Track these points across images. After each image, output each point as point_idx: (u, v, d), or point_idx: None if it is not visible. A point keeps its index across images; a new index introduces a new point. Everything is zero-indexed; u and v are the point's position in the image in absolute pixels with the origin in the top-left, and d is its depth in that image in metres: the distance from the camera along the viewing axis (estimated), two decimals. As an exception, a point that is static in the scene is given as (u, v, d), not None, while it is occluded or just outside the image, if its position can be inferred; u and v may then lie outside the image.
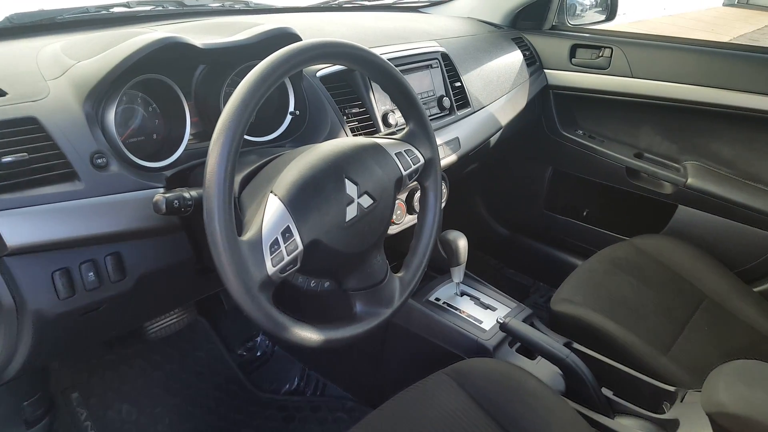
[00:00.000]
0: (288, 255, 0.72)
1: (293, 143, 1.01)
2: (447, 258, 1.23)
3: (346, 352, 1.40)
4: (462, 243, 1.21)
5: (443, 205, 1.33)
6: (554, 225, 1.97)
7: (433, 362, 1.13)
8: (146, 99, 0.92)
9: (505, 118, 1.53)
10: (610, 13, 1.93)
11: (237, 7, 1.39)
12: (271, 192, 0.74)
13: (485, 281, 1.36)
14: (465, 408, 0.96)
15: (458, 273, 1.24)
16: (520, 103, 1.63)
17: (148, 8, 1.18)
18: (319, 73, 1.08)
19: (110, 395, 1.24)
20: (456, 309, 1.24)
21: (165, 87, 0.92)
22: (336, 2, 1.68)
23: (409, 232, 1.09)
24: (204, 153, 0.86)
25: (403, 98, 0.89)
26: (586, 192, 1.89)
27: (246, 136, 1.00)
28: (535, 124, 1.85)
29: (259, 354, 1.50)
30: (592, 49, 1.73)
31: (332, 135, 1.04)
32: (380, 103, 1.15)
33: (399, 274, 0.92)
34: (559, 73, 1.79)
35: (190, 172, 0.90)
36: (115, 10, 1.14)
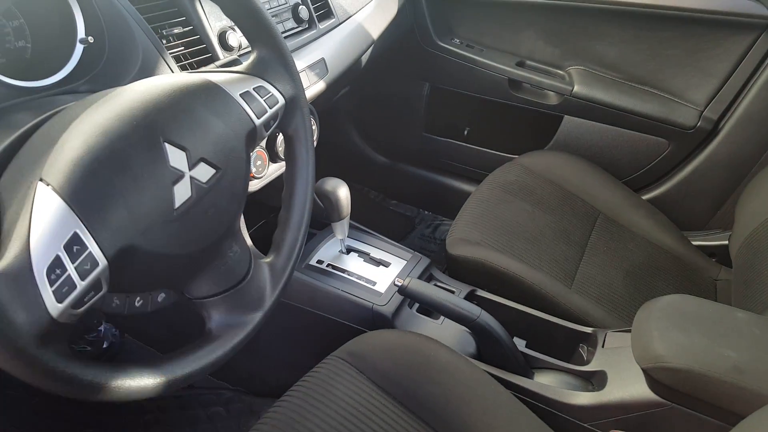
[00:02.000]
0: (83, 279, 0.45)
1: (89, 85, 0.69)
2: (327, 211, 1.00)
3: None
4: (343, 193, 0.99)
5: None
6: (435, 148, 1.80)
7: (323, 338, 0.94)
8: None
9: (376, 30, 1.27)
10: None
11: None
12: (41, 180, 0.45)
13: (368, 218, 1.17)
14: (369, 398, 0.80)
15: (341, 228, 1.02)
16: (391, 8, 1.37)
17: None
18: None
19: None
20: (343, 271, 1.03)
21: None
22: None
23: (277, 182, 0.85)
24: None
25: (242, 10, 0.61)
26: (467, 109, 1.73)
27: (13, 81, 0.66)
28: (409, 35, 1.61)
29: (106, 346, 1.20)
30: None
31: (147, 69, 0.73)
32: (214, 17, 0.84)
33: (267, 260, 0.68)
34: (429, -27, 1.55)
35: None
36: None
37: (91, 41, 0.72)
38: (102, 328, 1.23)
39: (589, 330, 0.98)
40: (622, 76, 1.50)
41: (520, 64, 1.58)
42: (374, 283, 1.01)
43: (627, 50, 1.46)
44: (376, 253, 1.08)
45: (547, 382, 0.90)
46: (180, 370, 0.54)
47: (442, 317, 0.99)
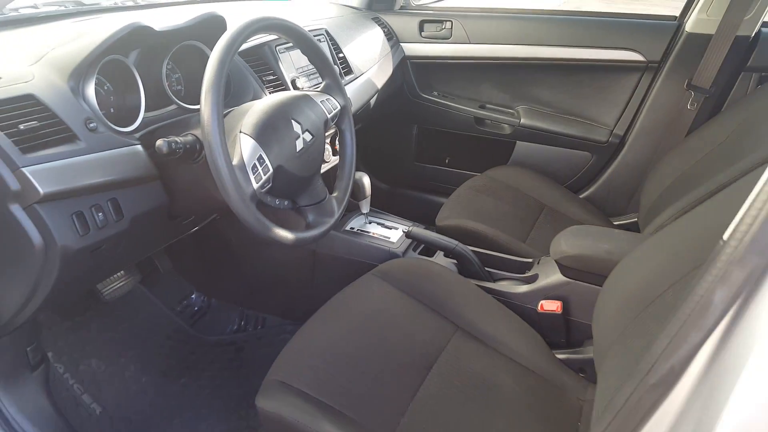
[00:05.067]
0: (264, 175, 0.97)
1: (224, 107, 1.24)
2: (354, 194, 1.53)
3: (280, 284, 1.65)
4: (366, 180, 1.52)
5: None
6: (425, 174, 2.35)
7: (357, 275, 1.43)
8: (101, 79, 1.09)
9: (379, 83, 1.86)
10: (442, -6, 2.35)
11: (128, 4, 1.56)
12: (241, 132, 0.98)
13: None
14: (392, 295, 1.26)
15: (365, 205, 1.55)
16: (388, 71, 1.97)
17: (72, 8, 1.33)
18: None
19: (77, 354, 1.37)
20: (368, 233, 1.55)
21: (119, 67, 1.09)
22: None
23: (332, 173, 1.37)
24: (156, 120, 1.10)
25: (319, 59, 1.17)
26: (446, 142, 2.30)
27: (184, 104, 1.21)
28: (400, 90, 2.21)
29: (197, 308, 1.69)
30: (436, 23, 2.12)
31: (256, 97, 1.28)
32: (288, 71, 1.41)
33: (334, 195, 1.21)
34: (413, 46, 2.16)
35: (155, 132, 1.10)
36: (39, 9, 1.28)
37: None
38: (193, 296, 1.72)
39: (531, 260, 1.49)
40: (554, 110, 2.09)
41: (482, 107, 2.17)
42: (389, 238, 1.53)
43: (554, 91, 2.06)
44: (389, 223, 1.60)
45: (503, 284, 1.40)
46: (302, 235, 1.05)
47: (436, 255, 1.49)
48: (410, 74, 2.20)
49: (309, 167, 1.09)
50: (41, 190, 0.86)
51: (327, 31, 1.66)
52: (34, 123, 0.89)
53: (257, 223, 0.96)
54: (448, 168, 2.30)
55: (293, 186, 1.08)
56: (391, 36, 2.11)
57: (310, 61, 1.18)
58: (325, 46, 1.62)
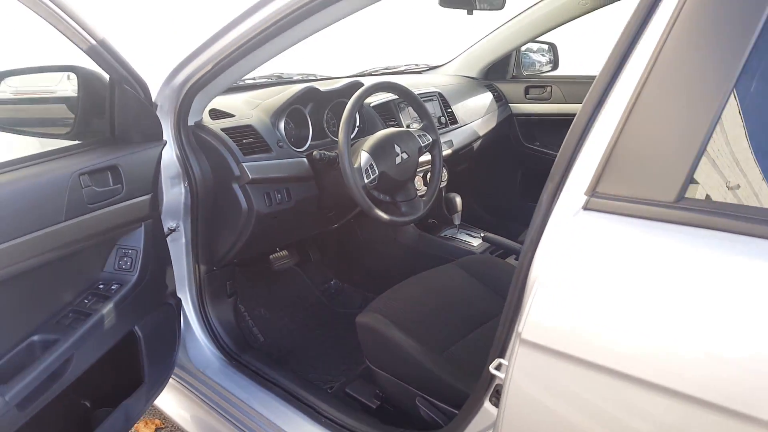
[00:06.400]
0: (372, 175, 1.57)
1: (357, 137, 1.88)
2: (448, 209, 2.07)
3: (391, 274, 2.21)
4: (458, 199, 2.06)
5: (444, 184, 2.18)
6: (527, 210, 2.79)
7: (445, 268, 1.94)
8: (288, 120, 1.80)
9: (481, 131, 2.42)
10: (554, 65, 2.85)
11: (311, 77, 2.31)
12: (362, 149, 1.60)
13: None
14: (463, 277, 1.75)
15: (457, 218, 2.08)
16: (491, 123, 2.52)
17: (274, 79, 2.11)
18: (371, 104, 1.97)
19: (253, 302, 2.06)
20: (457, 238, 2.07)
21: (298, 113, 1.79)
22: (367, 71, 2.60)
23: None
24: (317, 146, 1.75)
25: (419, 108, 1.77)
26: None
27: (335, 138, 1.88)
28: (507, 140, 2.73)
29: (333, 291, 2.32)
30: (539, 88, 2.64)
31: (381, 135, 1.91)
32: (405, 119, 2.04)
33: (423, 198, 1.77)
34: (519, 105, 2.69)
35: (314, 152, 1.76)
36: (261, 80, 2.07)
37: (360, 126, 1.93)
38: (332, 282, 2.35)
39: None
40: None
41: (576, 155, 2.59)
42: (471, 243, 2.03)
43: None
44: (475, 234, 2.11)
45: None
46: (395, 218, 1.62)
47: (508, 258, 1.96)
48: (516, 128, 2.71)
49: (403, 174, 1.67)
50: (250, 176, 1.55)
51: (440, 93, 2.27)
52: (250, 139, 1.60)
53: (365, 203, 1.56)
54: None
55: (392, 186, 1.67)
56: (500, 98, 2.66)
57: (414, 110, 1.79)
58: (435, 104, 2.23)
